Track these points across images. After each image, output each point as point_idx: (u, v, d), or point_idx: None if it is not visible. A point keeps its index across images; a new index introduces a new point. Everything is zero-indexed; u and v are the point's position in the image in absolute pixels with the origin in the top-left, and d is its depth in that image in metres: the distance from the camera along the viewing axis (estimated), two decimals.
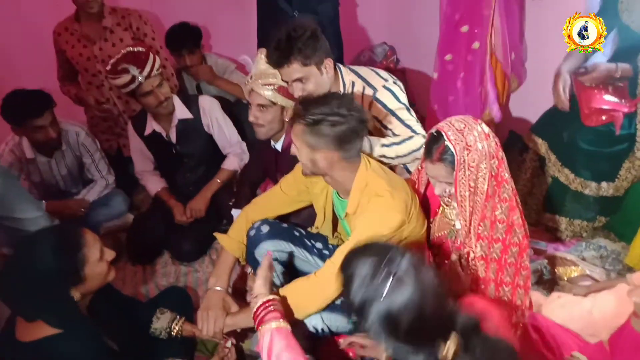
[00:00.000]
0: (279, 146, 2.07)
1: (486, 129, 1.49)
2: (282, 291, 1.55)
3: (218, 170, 2.48)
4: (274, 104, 1.93)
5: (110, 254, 1.45)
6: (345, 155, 1.51)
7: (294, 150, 1.54)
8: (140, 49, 2.15)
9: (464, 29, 2.46)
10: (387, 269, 1.03)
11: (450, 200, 1.58)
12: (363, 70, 1.95)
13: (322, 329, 1.56)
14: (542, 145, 2.27)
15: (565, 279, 2.02)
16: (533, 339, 1.61)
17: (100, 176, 2.54)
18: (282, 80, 1.85)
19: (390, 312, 1.02)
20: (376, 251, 1.09)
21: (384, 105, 1.88)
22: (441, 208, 1.73)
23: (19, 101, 2.16)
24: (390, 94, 1.88)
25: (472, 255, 1.58)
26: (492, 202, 1.54)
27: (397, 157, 1.86)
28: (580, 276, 1.98)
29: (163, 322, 1.71)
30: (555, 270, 2.07)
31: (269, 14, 2.60)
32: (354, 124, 1.47)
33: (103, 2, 2.44)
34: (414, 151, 1.84)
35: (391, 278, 1.02)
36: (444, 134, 1.47)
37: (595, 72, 2.02)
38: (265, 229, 1.73)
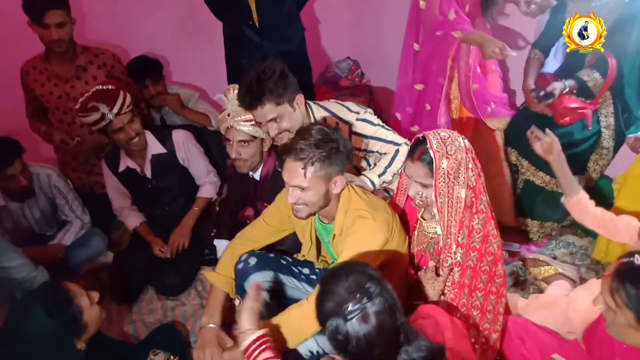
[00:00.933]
0: (257, 176, 2.11)
1: (468, 144, 1.60)
2: (276, 320, 1.58)
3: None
4: (255, 138, 1.97)
5: (95, 295, 1.49)
6: (344, 172, 1.59)
7: (299, 195, 1.54)
8: (110, 86, 2.14)
9: (419, 87, 2.45)
10: (360, 302, 1.11)
11: (420, 202, 1.66)
12: (334, 107, 2.01)
13: (317, 352, 1.59)
14: (512, 153, 2.38)
15: (540, 278, 2.12)
16: (516, 342, 1.69)
17: (74, 216, 2.50)
18: (256, 121, 1.88)
19: (345, 334, 1.11)
20: (357, 278, 1.14)
21: (364, 135, 1.97)
22: (418, 222, 1.81)
23: None
24: (365, 123, 1.96)
25: (449, 261, 1.65)
26: (470, 212, 1.62)
27: (394, 174, 1.97)
28: (553, 275, 2.09)
29: None
30: (529, 270, 2.17)
31: (237, 43, 2.63)
32: (345, 139, 1.57)
33: (74, 41, 2.41)
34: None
35: (359, 312, 1.11)
36: (427, 140, 1.57)
37: (552, 97, 2.15)
38: (252, 261, 1.76)
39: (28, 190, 2.30)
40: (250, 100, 1.79)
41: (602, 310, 1.31)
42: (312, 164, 1.50)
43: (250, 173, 2.11)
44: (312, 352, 1.58)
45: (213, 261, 2.29)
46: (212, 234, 2.30)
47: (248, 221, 2.25)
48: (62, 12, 2.27)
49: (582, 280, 2.10)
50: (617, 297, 1.24)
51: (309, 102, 1.99)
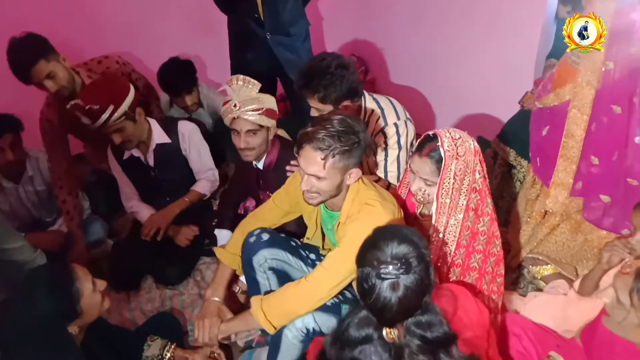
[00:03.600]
0: (260, 165, 2.12)
1: (477, 146, 1.60)
2: (273, 295, 1.61)
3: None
4: (262, 127, 1.99)
5: (101, 284, 1.47)
6: (359, 165, 1.59)
7: (313, 183, 1.54)
8: (95, 106, 1.99)
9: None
10: (397, 271, 1.13)
11: (421, 199, 1.66)
12: (384, 102, 2.13)
13: (313, 329, 1.60)
14: (510, 153, 2.39)
15: (539, 277, 2.13)
16: (513, 339, 1.69)
17: None
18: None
19: (371, 286, 1.14)
20: (407, 248, 1.16)
21: (385, 140, 2.08)
22: (416, 219, 1.81)
23: None
24: (394, 132, 2.08)
25: (448, 260, 1.66)
26: (475, 215, 1.63)
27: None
28: (552, 274, 2.10)
29: (154, 350, 1.73)
30: (528, 269, 2.18)
31: (242, 37, 2.63)
32: (365, 132, 1.56)
33: (77, 76, 2.25)
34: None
35: (392, 278, 1.13)
36: (439, 137, 1.56)
37: None
38: (265, 236, 1.77)
39: (17, 167, 2.28)
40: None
41: (607, 304, 1.30)
42: (333, 156, 1.49)
43: (254, 163, 2.12)
44: (308, 329, 1.59)
45: (212, 252, 2.29)
46: (213, 224, 2.30)
47: (249, 212, 2.27)
48: (44, 63, 2.08)
49: None
50: (635, 297, 1.22)
51: (364, 92, 2.10)
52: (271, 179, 2.01)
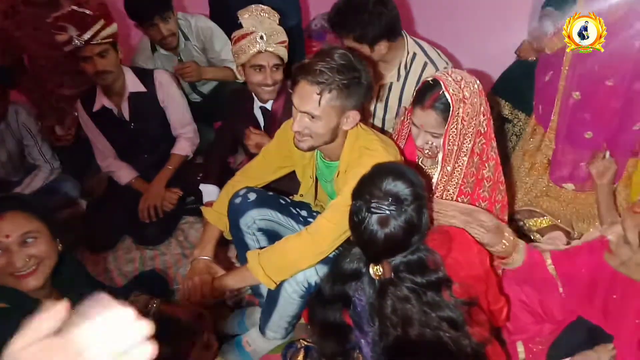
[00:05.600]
0: (269, 106, 1.98)
1: (480, 85, 1.49)
2: (271, 249, 1.48)
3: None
4: (283, 62, 1.86)
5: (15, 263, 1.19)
6: (360, 109, 1.45)
7: (306, 124, 1.40)
8: (87, 11, 1.91)
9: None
10: (388, 207, 1.10)
11: (429, 153, 1.56)
12: (428, 47, 1.98)
13: (315, 282, 1.50)
14: (505, 106, 2.32)
15: (535, 230, 2.10)
16: (514, 288, 1.62)
17: (43, 160, 2.33)
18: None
19: (361, 219, 1.13)
20: (402, 186, 1.13)
21: None
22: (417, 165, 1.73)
23: None
24: None
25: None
26: (479, 160, 1.54)
27: None
28: (549, 226, 2.07)
29: (139, 306, 1.61)
30: (525, 222, 2.14)
31: None
32: (367, 71, 1.42)
33: None
34: None
35: (382, 213, 1.11)
36: (441, 82, 1.43)
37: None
38: (252, 196, 1.63)
39: None
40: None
41: (613, 242, 1.25)
42: (330, 91, 1.34)
43: (259, 104, 1.97)
44: (309, 283, 1.49)
45: (196, 210, 2.15)
46: (198, 178, 2.13)
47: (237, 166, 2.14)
48: None
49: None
50: None
51: (406, 33, 1.96)
52: (280, 123, 1.80)
